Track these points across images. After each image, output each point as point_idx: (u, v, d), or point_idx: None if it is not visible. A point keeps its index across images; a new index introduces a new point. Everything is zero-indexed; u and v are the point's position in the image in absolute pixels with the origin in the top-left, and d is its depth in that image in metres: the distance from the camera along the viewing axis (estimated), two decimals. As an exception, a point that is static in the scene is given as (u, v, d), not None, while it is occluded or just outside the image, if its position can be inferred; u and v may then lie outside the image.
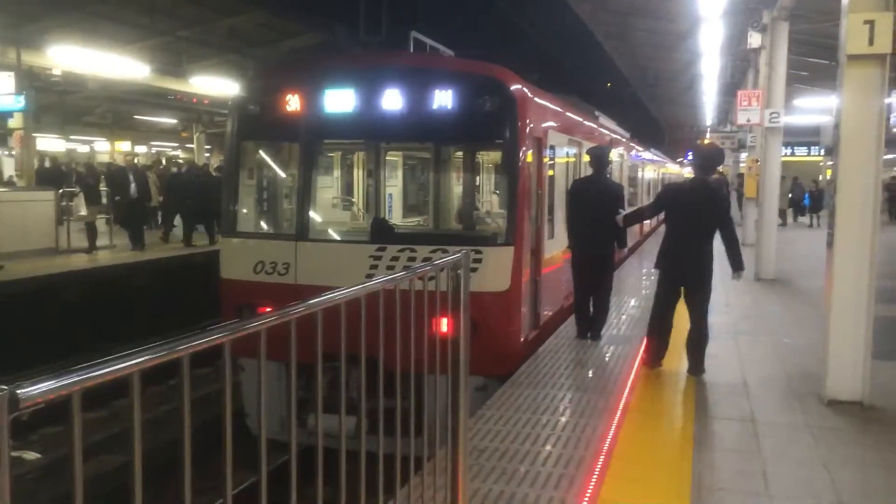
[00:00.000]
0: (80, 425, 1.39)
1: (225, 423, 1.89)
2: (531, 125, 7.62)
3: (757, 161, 16.23)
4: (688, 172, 24.35)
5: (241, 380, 7.40)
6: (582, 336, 8.30)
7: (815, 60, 20.45)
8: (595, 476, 4.62)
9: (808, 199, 29.37)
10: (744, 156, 24.23)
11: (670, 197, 7.24)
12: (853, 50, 5.94)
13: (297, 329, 2.16)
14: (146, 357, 1.54)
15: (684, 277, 6.94)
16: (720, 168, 41.19)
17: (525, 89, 7.63)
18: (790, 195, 26.36)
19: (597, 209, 7.96)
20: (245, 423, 7.39)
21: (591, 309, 8.34)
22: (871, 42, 5.84)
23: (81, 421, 1.40)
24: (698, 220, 6.82)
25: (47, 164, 21.71)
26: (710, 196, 6.94)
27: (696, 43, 19.99)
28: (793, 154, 35.87)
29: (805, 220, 29.47)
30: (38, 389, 1.27)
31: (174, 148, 41.28)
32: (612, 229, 8.05)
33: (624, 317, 9.60)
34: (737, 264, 6.94)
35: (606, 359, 7.56)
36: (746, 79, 20.86)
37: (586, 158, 8.64)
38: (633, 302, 10.73)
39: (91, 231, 15.39)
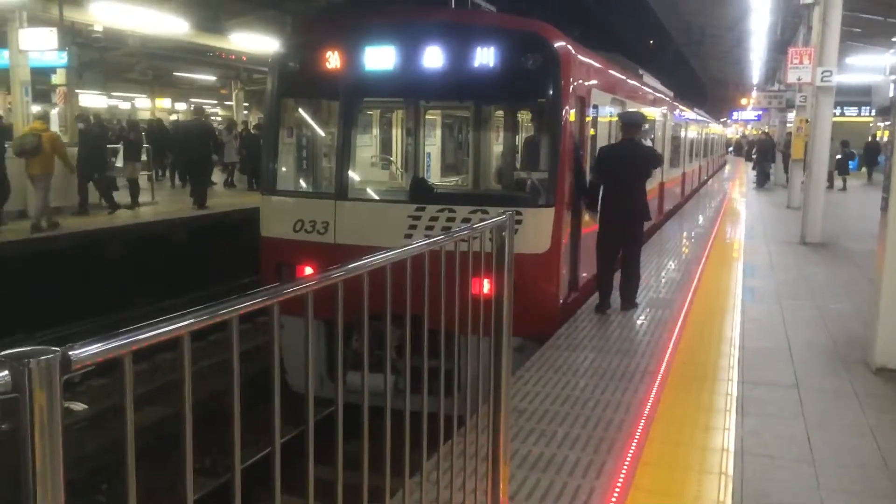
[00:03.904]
0: (131, 387, 1.39)
1: (273, 380, 2.00)
2: (574, 83, 7.46)
3: (807, 121, 15.74)
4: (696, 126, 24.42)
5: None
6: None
7: (870, 17, 19.69)
8: (635, 440, 4.58)
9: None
10: (791, 116, 23.56)
11: (610, 159, 7.78)
12: (916, 4, 5.67)
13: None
14: (194, 319, 1.55)
15: (625, 228, 7.72)
16: (765, 129, 40.24)
17: (569, 46, 7.45)
18: (839, 157, 25.31)
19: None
20: (284, 379, 7.49)
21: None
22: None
23: (133, 382, 1.41)
24: (635, 175, 7.69)
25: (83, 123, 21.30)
26: (643, 152, 8.02)
27: (745, -2, 19.36)
28: (843, 114, 34.81)
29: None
30: (89, 351, 1.29)
31: (214, 105, 41.56)
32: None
33: (664, 280, 9.47)
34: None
35: (647, 322, 7.47)
36: (797, 36, 20.17)
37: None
38: (672, 265, 10.58)
39: (133, 187, 15.61)
